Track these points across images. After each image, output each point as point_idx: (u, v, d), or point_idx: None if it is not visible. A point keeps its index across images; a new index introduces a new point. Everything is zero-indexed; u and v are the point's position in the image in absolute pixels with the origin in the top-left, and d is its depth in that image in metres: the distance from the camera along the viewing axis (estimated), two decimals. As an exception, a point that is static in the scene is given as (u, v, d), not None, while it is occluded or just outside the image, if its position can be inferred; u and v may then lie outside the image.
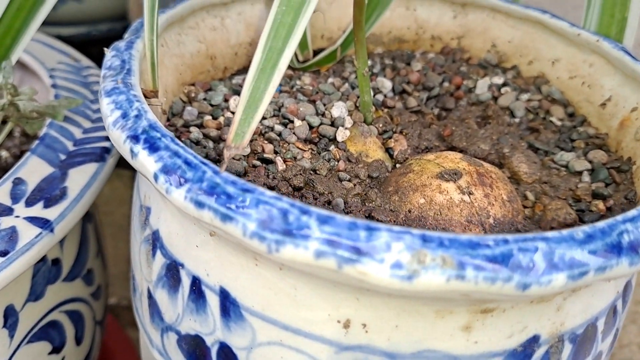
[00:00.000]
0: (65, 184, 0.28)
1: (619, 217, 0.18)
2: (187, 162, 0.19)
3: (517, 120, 0.30)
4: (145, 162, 0.19)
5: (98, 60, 0.58)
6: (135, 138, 0.20)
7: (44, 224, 0.26)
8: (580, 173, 0.26)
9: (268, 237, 0.17)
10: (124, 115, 0.21)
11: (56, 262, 0.31)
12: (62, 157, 0.30)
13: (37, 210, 0.26)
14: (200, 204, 0.18)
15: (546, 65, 0.33)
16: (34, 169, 0.29)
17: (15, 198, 0.27)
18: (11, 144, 0.39)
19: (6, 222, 0.25)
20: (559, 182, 0.26)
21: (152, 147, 0.19)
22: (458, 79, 0.32)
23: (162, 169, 0.19)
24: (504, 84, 0.32)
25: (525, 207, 0.25)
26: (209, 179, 0.18)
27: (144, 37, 0.25)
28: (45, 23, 0.56)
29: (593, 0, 0.32)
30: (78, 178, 0.29)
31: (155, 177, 0.19)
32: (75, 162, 0.30)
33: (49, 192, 0.28)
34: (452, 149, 0.28)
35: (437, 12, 0.35)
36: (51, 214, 0.26)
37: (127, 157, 0.20)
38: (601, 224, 0.18)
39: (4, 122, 0.33)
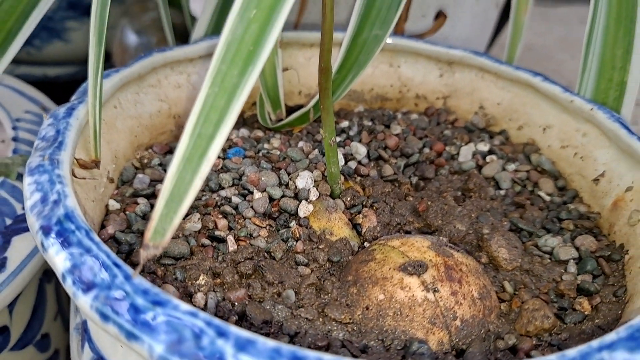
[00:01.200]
0: (6, 254, 0.26)
1: (595, 343, 0.16)
2: (100, 262, 0.16)
3: (502, 192, 0.28)
4: (55, 258, 0.17)
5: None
6: (47, 229, 0.17)
7: (-28, 302, 0.24)
8: (566, 262, 0.24)
9: (176, 363, 0.14)
10: (43, 200, 0.18)
11: (3, 330, 0.29)
12: (8, 222, 0.28)
13: (-31, 285, 0.24)
14: (105, 317, 0.15)
15: (537, 131, 0.30)
16: (-26, 236, 0.27)
17: (-55, 271, 0.24)
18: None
19: None
20: (541, 272, 0.23)
21: (64, 242, 0.17)
22: (440, 145, 0.30)
23: (71, 269, 0.16)
24: (490, 152, 0.30)
25: (501, 300, 0.22)
26: (119, 286, 0.16)
27: (87, 102, 0.23)
28: (31, 63, 0.55)
29: (589, 62, 0.30)
30: (21, 247, 0.27)
31: (63, 278, 0.16)
32: (21, 228, 0.27)
33: (-14, 263, 0.25)
34: (427, 226, 0.26)
35: (423, 70, 0.33)
36: (-17, 289, 0.24)
37: (40, 248, 0.18)
38: (573, 352, 0.15)
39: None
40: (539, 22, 0.95)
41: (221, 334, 0.14)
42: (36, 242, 0.18)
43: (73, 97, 0.25)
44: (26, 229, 0.27)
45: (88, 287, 0.16)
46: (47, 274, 0.33)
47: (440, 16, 0.38)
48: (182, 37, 0.46)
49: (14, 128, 0.35)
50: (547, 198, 0.27)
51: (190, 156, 0.17)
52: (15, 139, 0.34)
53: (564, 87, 0.29)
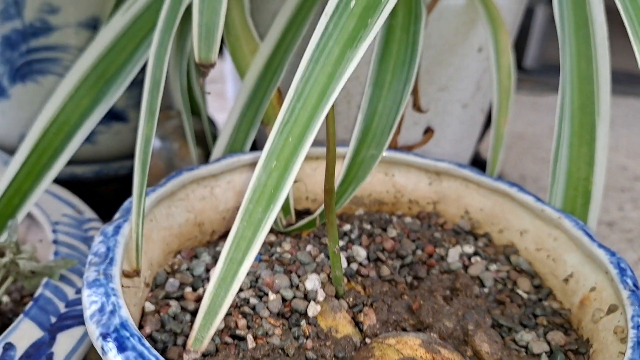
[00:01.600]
0: (52, 349, 0.30)
1: None
2: (150, 365, 0.20)
3: (485, 290, 0.32)
4: (113, 361, 0.21)
5: (107, 198, 0.61)
6: (106, 336, 0.21)
7: (25, 395, 0.27)
8: (539, 355, 0.27)
9: None
10: (101, 310, 0.23)
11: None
12: (53, 319, 0.32)
13: (21, 378, 0.28)
14: (156, 412, 0.19)
15: (515, 235, 0.34)
16: (24, 333, 0.30)
17: (2, 366, 0.28)
18: (13, 287, 0.41)
19: (-10, 393, 0.27)
20: (519, 365, 0.27)
21: (121, 347, 0.21)
22: (430, 247, 0.34)
23: (127, 371, 0.20)
24: (475, 253, 0.34)
25: (485, 391, 0.26)
26: (167, 386, 0.19)
27: (131, 220, 0.28)
28: (61, 162, 0.59)
29: (557, 174, 0.35)
30: (65, 343, 0.30)
31: (120, 379, 0.20)
32: (65, 325, 0.31)
33: (36, 358, 0.29)
34: (420, 323, 0.29)
35: (414, 179, 0.38)
36: (34, 383, 0.28)
37: (99, 352, 0.22)
38: None
39: (5, 277, 0.35)
40: (529, 111, 1.02)
41: None
42: (96, 346, 0.22)
43: (117, 215, 0.29)
44: (69, 326, 0.31)
45: (141, 386, 0.20)
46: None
47: (428, 131, 0.43)
48: (201, 141, 0.51)
49: (54, 231, 0.39)
50: (525, 296, 0.31)
51: (224, 277, 0.21)
52: (55, 242, 0.38)
53: (536, 197, 0.34)
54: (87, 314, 0.23)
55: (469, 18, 0.44)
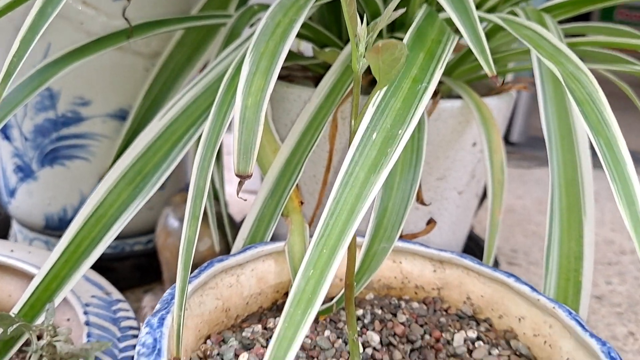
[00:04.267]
0: None
1: None
2: None
3: (489, 374, 0.35)
4: None
5: (123, 274, 0.64)
6: None
7: None
8: None
9: None
10: (155, 400, 0.25)
11: None
12: (91, 402, 0.34)
13: None
14: None
15: (514, 321, 0.38)
16: (66, 416, 0.33)
17: None
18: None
19: None
20: None
21: None
22: (437, 333, 0.37)
23: None
24: (478, 338, 0.37)
25: None
26: None
27: (172, 312, 0.31)
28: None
29: (550, 267, 0.39)
30: None
31: None
32: (102, 407, 0.34)
33: None
34: (431, 406, 0.32)
35: (419, 266, 0.42)
36: None
37: None
38: None
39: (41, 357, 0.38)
40: (518, 184, 1.07)
41: None
42: None
43: (158, 306, 0.32)
44: (107, 409, 0.34)
45: None
46: None
47: (431, 222, 0.47)
48: (218, 222, 0.54)
49: (85, 313, 0.42)
50: (525, 380, 0.35)
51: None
52: (87, 324, 0.41)
53: (532, 287, 0.37)
54: (141, 403, 0.26)
55: (464, 118, 0.49)
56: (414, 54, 0.32)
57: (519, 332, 0.37)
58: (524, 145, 1.24)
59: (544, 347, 0.36)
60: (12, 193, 0.61)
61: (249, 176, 0.31)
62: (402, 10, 0.29)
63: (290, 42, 0.34)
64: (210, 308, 0.36)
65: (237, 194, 0.47)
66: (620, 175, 0.27)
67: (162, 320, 0.31)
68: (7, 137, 0.57)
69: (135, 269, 0.64)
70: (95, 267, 0.53)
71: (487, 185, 0.47)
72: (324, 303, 0.38)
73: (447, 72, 0.54)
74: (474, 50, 0.32)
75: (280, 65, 0.33)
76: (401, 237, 0.43)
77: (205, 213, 0.51)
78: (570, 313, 0.35)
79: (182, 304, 0.31)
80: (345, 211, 0.26)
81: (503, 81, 0.59)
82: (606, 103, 0.30)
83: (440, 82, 0.52)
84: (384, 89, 0.29)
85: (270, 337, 0.36)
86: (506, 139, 1.26)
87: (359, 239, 0.38)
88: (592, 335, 0.33)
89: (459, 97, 0.50)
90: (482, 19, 0.38)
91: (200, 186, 0.32)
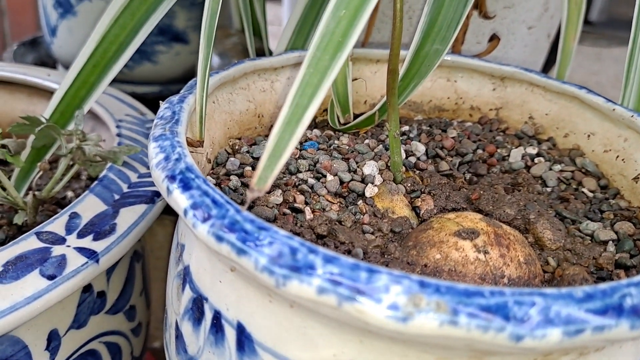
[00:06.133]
0: (115, 220, 0.31)
1: (624, 281, 0.19)
2: (214, 201, 0.21)
3: (548, 189, 0.31)
4: (178, 198, 0.21)
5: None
6: (172, 178, 0.22)
7: (91, 254, 0.28)
8: (605, 243, 0.26)
9: (277, 272, 0.18)
10: (166, 158, 0.23)
11: (101, 294, 0.34)
12: (116, 197, 0.33)
13: (87, 242, 0.29)
14: (220, 238, 0.19)
15: (582, 138, 0.33)
16: (89, 206, 0.31)
17: (69, 230, 0.29)
18: (77, 185, 0.42)
19: (58, 250, 0.28)
20: (582, 250, 0.26)
21: (185, 186, 0.21)
22: (492, 147, 0.33)
23: (192, 205, 0.21)
24: (538, 154, 0.33)
25: (545, 272, 0.25)
26: (231, 217, 0.20)
27: (195, 93, 0.28)
28: (122, 81, 0.61)
29: (631, 76, 0.33)
30: (127, 216, 0.31)
31: (185, 213, 0.21)
32: (127, 202, 0.32)
33: (100, 227, 0.30)
34: (479, 211, 0.29)
35: (477, 85, 0.37)
36: (98, 246, 0.29)
37: (164, 194, 0.22)
38: (603, 285, 0.18)
39: (71, 165, 0.37)
40: (593, 61, 0.98)
41: (312, 251, 0.18)
42: (161, 189, 0.22)
43: (183, 90, 0.30)
44: (132, 203, 0.32)
45: (205, 218, 0.20)
46: (136, 254, 0.38)
47: (494, 39, 0.42)
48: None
49: (118, 127, 0.40)
50: (590, 194, 0.30)
51: (289, 121, 0.21)
52: (119, 135, 0.39)
53: (607, 98, 0.32)
54: (152, 163, 0.23)
55: None
56: None
57: (587, 149, 0.33)
58: (603, 24, 1.13)
59: (616, 163, 0.31)
60: (53, 32, 0.59)
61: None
62: None
63: None
64: (241, 109, 0.33)
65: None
66: None
67: (183, 98, 0.28)
68: (44, -34, 0.55)
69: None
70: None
71: (562, 8, 0.40)
72: (368, 112, 0.35)
73: None
74: None
75: None
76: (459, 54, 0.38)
77: (246, 49, 0.48)
78: (652, 120, 0.30)
79: (204, 84, 0.28)
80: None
81: None
82: None
83: None
84: None
85: (305, 140, 0.33)
86: (585, 19, 1.15)
87: (403, 51, 0.34)
88: (678, 138, 0.28)
89: None
90: None
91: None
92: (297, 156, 0.31)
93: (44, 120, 0.36)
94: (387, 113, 0.29)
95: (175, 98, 0.28)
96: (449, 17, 0.33)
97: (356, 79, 0.37)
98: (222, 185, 0.28)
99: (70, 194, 0.41)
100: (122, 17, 0.37)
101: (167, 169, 0.22)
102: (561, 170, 0.32)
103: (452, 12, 0.33)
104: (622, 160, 0.31)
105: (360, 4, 0.21)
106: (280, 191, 0.28)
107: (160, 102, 0.28)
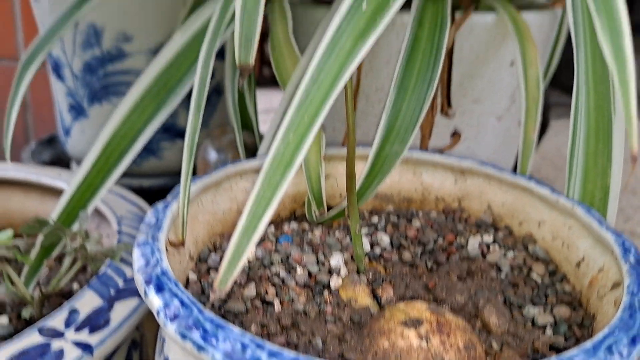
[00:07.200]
0: (110, 314, 0.34)
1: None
2: (182, 302, 0.24)
3: (502, 275, 0.34)
4: (153, 300, 0.25)
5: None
6: (149, 281, 0.25)
7: (85, 347, 0.32)
8: (544, 327, 0.29)
9: (229, 366, 0.21)
10: (146, 264, 0.27)
11: (99, 382, 0.37)
12: (112, 292, 0.36)
13: (83, 335, 0.32)
14: (184, 336, 0.23)
15: (534, 226, 0.36)
16: (87, 301, 0.35)
17: (67, 324, 0.33)
18: (83, 277, 0.46)
19: (57, 344, 0.31)
20: (523, 334, 0.29)
21: (159, 289, 0.25)
22: (451, 236, 0.36)
23: (163, 305, 0.24)
24: (494, 242, 0.36)
25: (488, 354, 0.28)
26: (194, 316, 0.23)
27: (178, 200, 0.32)
28: (130, 175, 0.66)
29: (574, 169, 0.37)
30: (121, 310, 0.35)
31: (158, 313, 0.24)
32: (122, 296, 0.36)
33: (95, 321, 0.34)
34: (434, 298, 0.32)
35: (440, 177, 0.41)
36: (93, 339, 0.32)
37: (143, 295, 0.26)
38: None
39: (75, 261, 0.41)
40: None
41: (259, 346, 0.21)
42: (140, 291, 0.26)
43: (168, 196, 0.34)
44: (126, 297, 0.36)
45: (173, 317, 0.24)
46: (134, 343, 0.41)
47: (455, 134, 0.46)
48: (252, 153, 0.56)
49: (119, 224, 0.44)
50: (539, 280, 0.33)
51: (246, 229, 0.25)
52: (119, 232, 0.43)
53: (552, 188, 0.36)
54: (135, 267, 0.27)
55: (499, 33, 0.47)
56: None
57: (538, 237, 0.36)
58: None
59: (562, 249, 0.34)
60: (67, 132, 0.65)
61: (250, 68, 0.31)
62: None
63: None
64: (224, 208, 0.37)
65: (240, 85, 0.47)
66: (607, 8, 0.25)
67: (167, 205, 0.32)
68: (60, 77, 0.61)
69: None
70: (143, 199, 0.55)
71: (520, 101, 0.45)
72: (337, 207, 0.38)
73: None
74: None
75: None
76: (423, 150, 0.42)
77: (237, 143, 0.52)
78: (589, 211, 0.33)
79: (186, 189, 0.32)
80: (329, 78, 0.26)
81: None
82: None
83: None
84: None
85: (280, 234, 0.36)
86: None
87: (369, 149, 0.38)
88: (608, 228, 0.31)
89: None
90: None
91: (203, 76, 0.33)
92: (272, 249, 0.34)
93: (51, 221, 0.41)
94: (348, 210, 0.33)
95: (160, 205, 0.32)
96: (407, 121, 0.37)
97: (328, 178, 0.41)
98: (202, 280, 0.32)
99: (76, 286, 0.45)
100: (122, 128, 0.42)
101: (145, 273, 0.26)
102: (514, 257, 0.35)
103: (409, 116, 0.37)
104: (567, 246, 0.34)
105: (305, 131, 0.26)
106: (254, 284, 0.31)
107: (156, 203, 0.32)
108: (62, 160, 0.74)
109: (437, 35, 0.40)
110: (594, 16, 0.25)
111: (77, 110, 0.62)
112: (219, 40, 0.34)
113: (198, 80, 0.33)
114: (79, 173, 0.42)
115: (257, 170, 0.39)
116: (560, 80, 0.38)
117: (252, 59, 0.31)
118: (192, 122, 0.33)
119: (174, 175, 0.66)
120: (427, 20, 0.41)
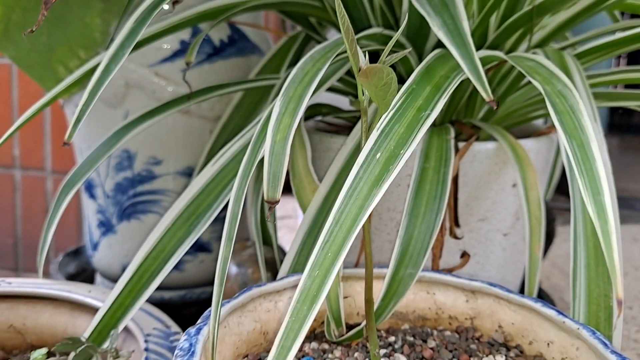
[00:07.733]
0: None
1: None
2: None
3: (515, 396, 0.35)
4: None
5: (189, 318, 0.69)
6: (186, 408, 0.27)
7: None
8: None
9: None
10: (182, 389, 0.29)
11: None
12: (142, 412, 0.38)
13: None
14: None
15: (543, 346, 0.38)
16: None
17: None
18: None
19: None
20: None
21: (196, 416, 0.27)
22: (465, 357, 0.38)
23: None
24: (506, 362, 0.38)
25: None
26: None
27: (209, 324, 0.35)
28: (153, 288, 0.68)
29: (578, 292, 0.39)
30: None
31: None
32: (150, 417, 0.37)
33: None
34: (452, 421, 0.33)
35: (452, 297, 0.43)
36: None
37: (179, 422, 0.28)
38: None
39: (105, 378, 0.42)
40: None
41: None
42: (177, 417, 0.28)
43: (199, 321, 0.36)
44: (154, 418, 0.37)
45: None
46: None
47: (464, 255, 0.49)
48: (272, 267, 0.58)
49: (146, 341, 0.47)
50: (551, 401, 0.35)
51: (276, 358, 0.27)
52: (146, 350, 0.45)
53: (558, 310, 0.38)
54: (172, 392, 0.29)
55: (500, 159, 0.51)
56: (420, 87, 0.35)
57: (548, 356, 0.38)
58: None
59: (572, 370, 0.36)
60: (95, 246, 0.68)
61: (277, 202, 0.35)
62: (407, 50, 0.33)
63: (314, 86, 0.38)
64: (248, 329, 0.39)
65: (266, 219, 0.51)
66: (588, 171, 0.28)
67: (199, 330, 0.34)
68: (92, 196, 0.65)
69: (200, 315, 0.68)
70: (165, 311, 0.58)
71: (524, 221, 0.48)
72: (356, 328, 0.41)
73: (485, 119, 0.57)
74: (470, 77, 0.35)
75: (305, 105, 0.37)
76: (435, 271, 0.45)
77: (258, 258, 0.55)
78: (594, 333, 0.35)
79: (216, 316, 0.34)
80: (349, 220, 0.29)
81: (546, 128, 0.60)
82: (586, 114, 0.31)
83: (477, 128, 0.55)
84: (389, 115, 0.33)
85: (302, 356, 0.38)
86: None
87: (385, 270, 0.41)
88: (613, 351, 0.33)
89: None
90: (487, 57, 0.41)
91: (234, 212, 0.36)
92: (295, 372, 0.36)
93: (83, 340, 0.43)
94: (367, 334, 0.35)
95: (192, 330, 0.34)
96: (418, 246, 0.40)
97: (347, 297, 0.44)
98: (230, 404, 0.34)
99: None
100: (153, 252, 0.46)
101: (182, 400, 0.28)
102: (526, 378, 0.36)
103: (420, 242, 0.41)
104: (576, 368, 0.35)
105: (329, 266, 0.29)
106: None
107: (182, 336, 0.35)
108: (86, 270, 0.77)
109: (443, 167, 0.44)
110: (576, 177, 0.28)
111: (106, 227, 0.66)
112: (249, 178, 0.38)
113: (230, 215, 0.37)
114: (112, 293, 0.45)
115: (279, 291, 0.42)
116: (566, 186, 0.41)
117: (278, 195, 0.35)
118: (224, 253, 0.36)
119: (194, 287, 0.69)
120: (433, 152, 0.46)
